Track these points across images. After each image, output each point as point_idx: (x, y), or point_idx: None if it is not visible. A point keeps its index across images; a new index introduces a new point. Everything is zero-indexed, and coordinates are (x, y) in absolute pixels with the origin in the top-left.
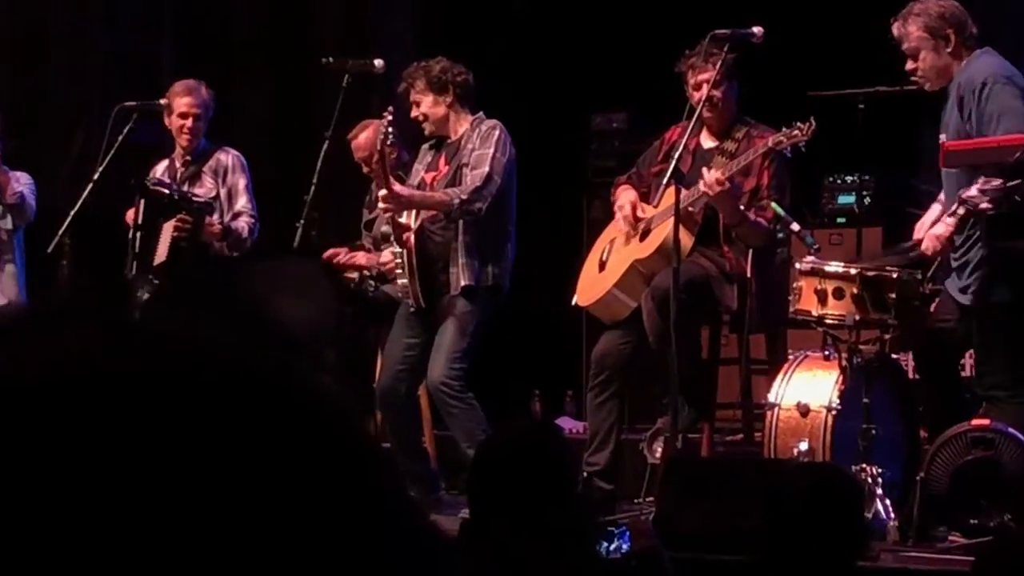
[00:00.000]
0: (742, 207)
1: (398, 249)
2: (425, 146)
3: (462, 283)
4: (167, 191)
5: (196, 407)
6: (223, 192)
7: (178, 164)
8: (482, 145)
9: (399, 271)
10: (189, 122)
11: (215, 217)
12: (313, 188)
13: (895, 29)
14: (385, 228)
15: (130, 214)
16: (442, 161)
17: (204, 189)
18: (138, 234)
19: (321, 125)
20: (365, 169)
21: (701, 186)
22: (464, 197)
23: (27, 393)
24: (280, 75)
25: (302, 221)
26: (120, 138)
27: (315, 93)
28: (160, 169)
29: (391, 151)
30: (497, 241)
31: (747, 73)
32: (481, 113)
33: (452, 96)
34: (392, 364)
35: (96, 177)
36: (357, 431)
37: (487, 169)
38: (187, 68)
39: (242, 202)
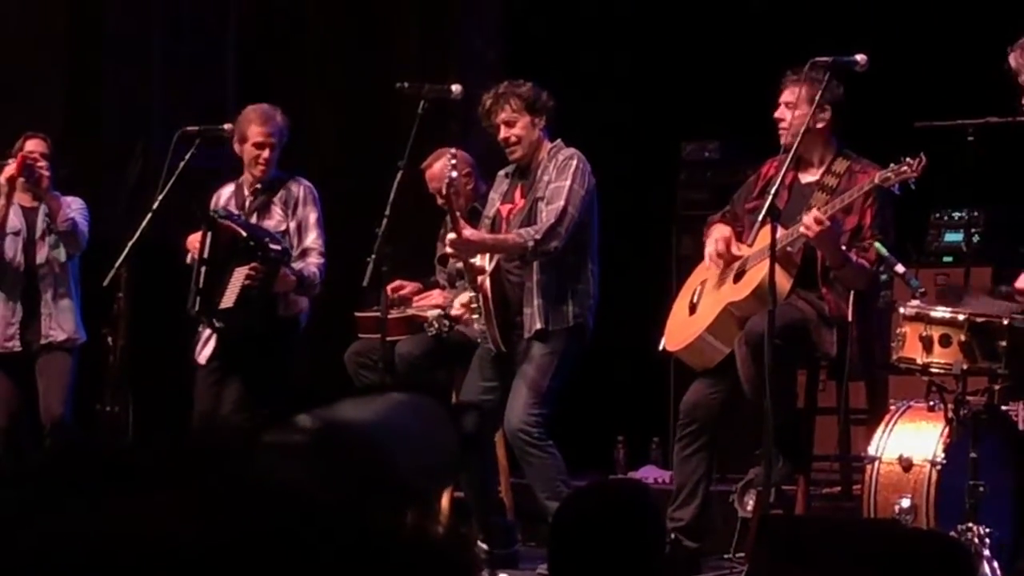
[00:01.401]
0: (843, 247)
1: (472, 293)
2: (501, 173)
3: (536, 326)
4: (243, 232)
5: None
6: (292, 225)
7: (246, 192)
8: (558, 177)
9: (475, 315)
10: (266, 153)
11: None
12: (385, 221)
13: (1012, 60)
14: (459, 265)
15: (193, 240)
16: (518, 193)
17: (273, 221)
18: (203, 268)
19: (395, 153)
20: (440, 200)
21: (801, 228)
22: (538, 238)
23: (100, 559)
24: (353, 99)
25: (373, 256)
26: (182, 164)
27: (390, 119)
28: (225, 195)
29: (467, 181)
30: (577, 279)
31: (849, 103)
32: (559, 141)
33: (545, 120)
34: None
35: (156, 206)
36: None
37: (562, 203)
38: (253, 90)
39: (312, 237)
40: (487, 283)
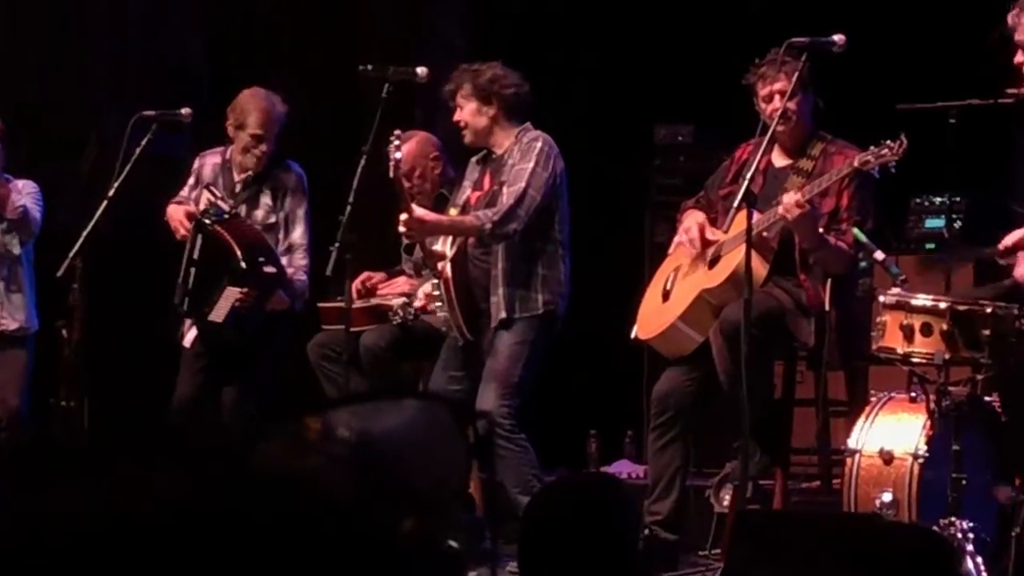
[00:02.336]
0: (821, 231)
1: (436, 280)
2: (473, 160)
3: (501, 315)
4: (238, 252)
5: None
6: (280, 216)
7: (236, 176)
8: (522, 159)
9: (438, 303)
10: (263, 147)
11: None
12: (349, 208)
13: (1011, 18)
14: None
15: (176, 215)
16: (487, 179)
17: (262, 212)
18: (192, 270)
19: (359, 138)
20: (407, 185)
21: (780, 209)
22: (496, 219)
23: (110, 534)
24: (317, 82)
25: (336, 244)
26: (138, 150)
27: (354, 103)
28: (210, 168)
29: (434, 166)
30: (547, 265)
31: (825, 84)
32: (528, 124)
33: (496, 108)
34: None
35: (111, 194)
36: None
37: (523, 185)
38: (216, 73)
39: (299, 232)
40: (448, 269)
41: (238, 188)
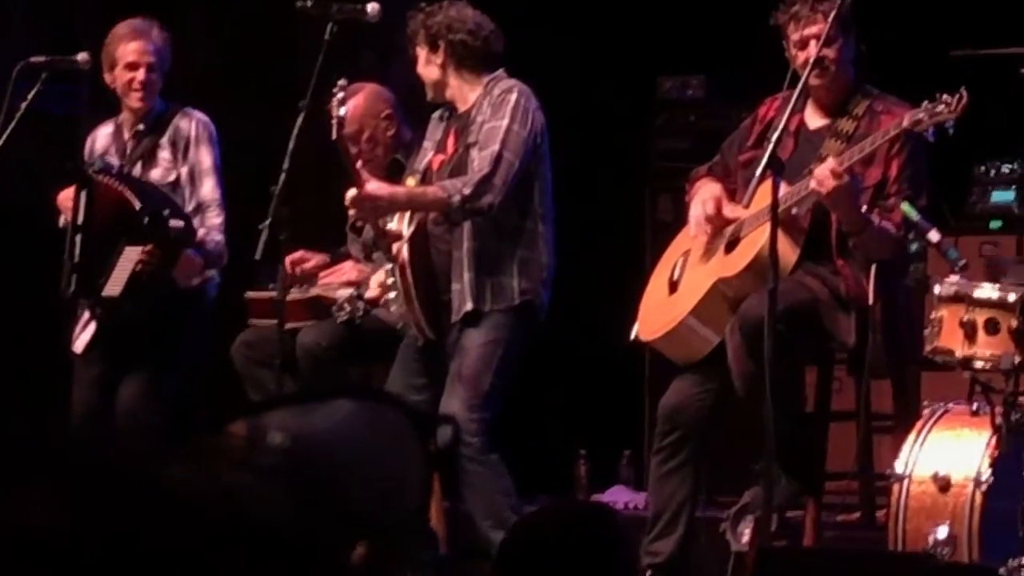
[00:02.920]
0: (863, 207)
1: (390, 266)
2: (435, 116)
3: (466, 307)
4: (135, 202)
5: None
6: (184, 172)
7: (127, 134)
8: (493, 116)
9: (392, 294)
10: (140, 74)
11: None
12: (283, 176)
13: None
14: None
15: (65, 198)
16: (451, 139)
17: (160, 170)
18: (77, 238)
19: (296, 91)
20: (353, 149)
21: (811, 183)
22: (467, 192)
23: None
24: (242, 20)
25: (268, 221)
26: (24, 105)
27: (289, 46)
28: (102, 138)
29: (387, 126)
30: (524, 245)
31: (870, 27)
32: (500, 71)
33: (444, 56)
34: None
35: None
36: None
37: (497, 148)
38: (112, 10)
39: (208, 187)
40: (405, 252)
41: (129, 148)
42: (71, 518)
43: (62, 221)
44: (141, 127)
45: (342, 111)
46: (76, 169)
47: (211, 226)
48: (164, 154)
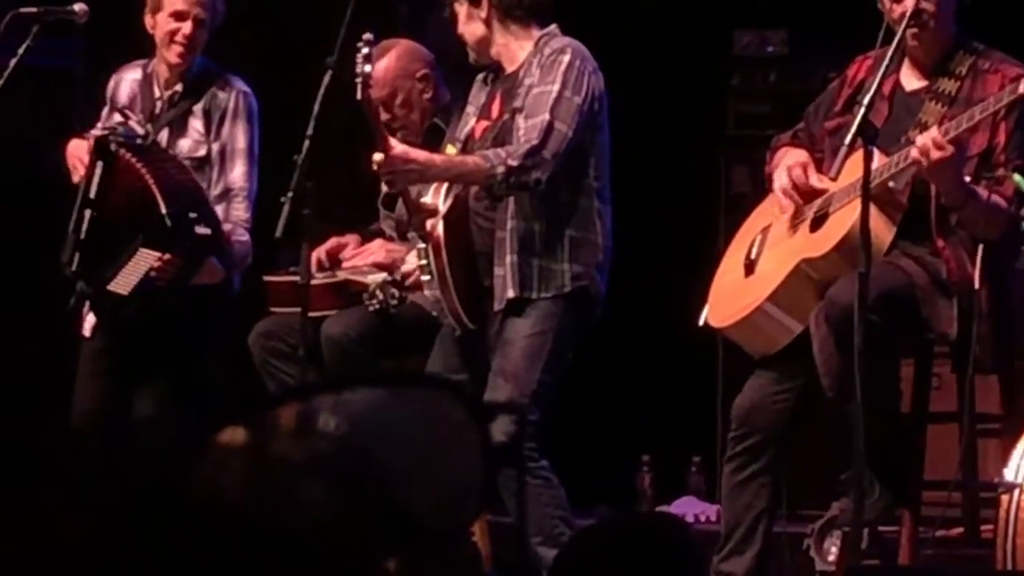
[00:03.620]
0: (968, 179)
1: (423, 245)
2: (479, 78)
3: (508, 294)
4: (162, 205)
5: None
6: (215, 148)
7: (157, 90)
8: (543, 79)
9: (426, 277)
10: (187, 27)
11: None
12: (307, 144)
13: None
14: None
15: (75, 151)
16: (496, 104)
17: (189, 142)
18: (87, 212)
19: (322, 49)
20: (385, 115)
21: (913, 152)
22: (513, 164)
23: None
24: None
25: (290, 195)
26: (14, 61)
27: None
28: (127, 86)
29: (423, 87)
30: (577, 225)
31: None
32: (553, 27)
33: (488, 8)
34: None
35: None
36: None
37: (546, 117)
38: None
39: (238, 172)
40: (440, 230)
41: (159, 108)
42: (100, 541)
43: (76, 178)
44: (179, 87)
45: (367, 68)
46: (98, 138)
47: (237, 220)
48: (196, 123)
